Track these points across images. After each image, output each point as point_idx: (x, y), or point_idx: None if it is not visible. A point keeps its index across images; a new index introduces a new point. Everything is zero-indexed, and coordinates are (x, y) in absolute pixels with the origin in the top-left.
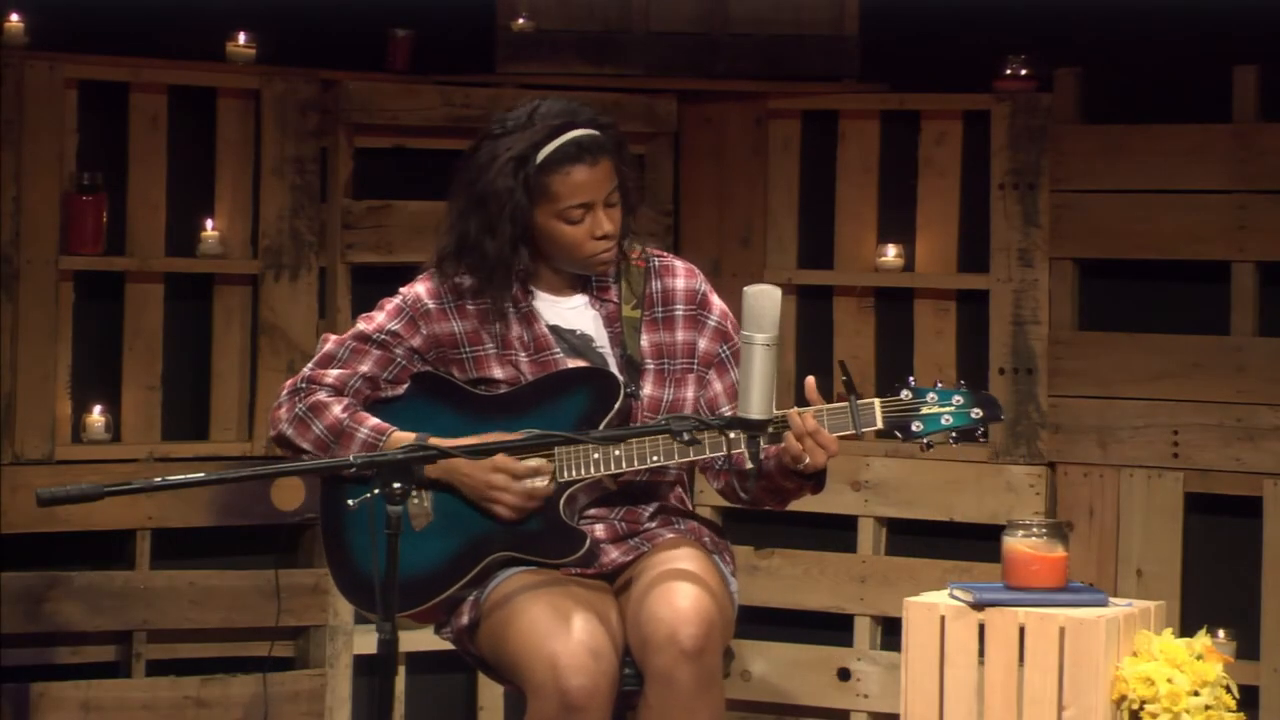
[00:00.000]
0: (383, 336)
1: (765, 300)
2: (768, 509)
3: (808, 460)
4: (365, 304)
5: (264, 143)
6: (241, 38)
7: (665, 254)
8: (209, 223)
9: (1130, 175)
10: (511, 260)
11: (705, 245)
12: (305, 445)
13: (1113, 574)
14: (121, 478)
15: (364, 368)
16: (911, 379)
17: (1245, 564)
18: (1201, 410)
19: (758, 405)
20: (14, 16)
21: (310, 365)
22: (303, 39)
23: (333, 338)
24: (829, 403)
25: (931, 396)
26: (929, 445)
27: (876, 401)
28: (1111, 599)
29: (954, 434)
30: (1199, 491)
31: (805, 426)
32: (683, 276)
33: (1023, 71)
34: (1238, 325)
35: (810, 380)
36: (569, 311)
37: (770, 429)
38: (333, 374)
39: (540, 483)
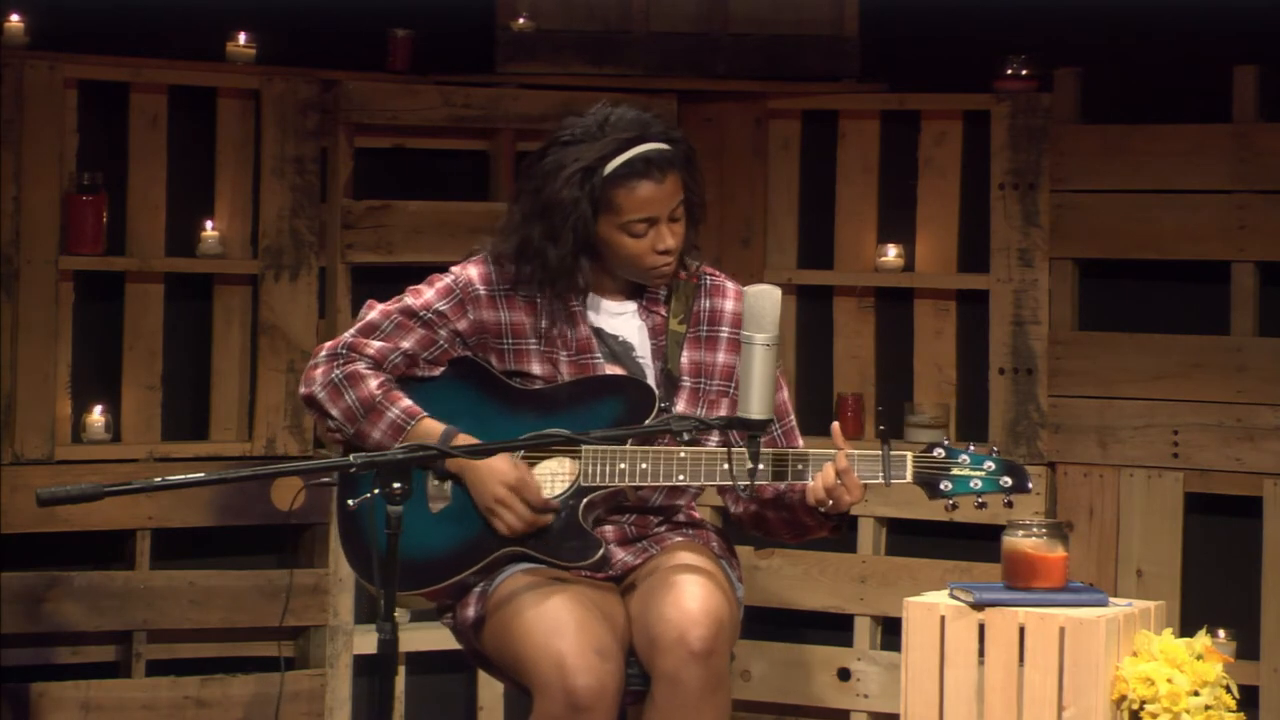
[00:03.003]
0: (429, 315)
1: (765, 300)
2: (784, 541)
3: (831, 503)
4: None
5: (264, 143)
6: (241, 38)
7: (718, 273)
8: (209, 223)
9: (1130, 175)
10: (573, 268)
11: (705, 245)
12: (334, 413)
13: (1113, 574)
14: (121, 478)
15: (406, 344)
16: (945, 439)
17: (1245, 564)
18: (1201, 410)
19: (758, 405)
20: (14, 16)
21: (351, 332)
22: (303, 39)
23: (378, 306)
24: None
25: (964, 458)
26: (954, 506)
27: (909, 455)
28: (1111, 599)
29: (980, 499)
30: (1199, 491)
31: (838, 464)
32: (732, 299)
33: (1023, 71)
34: (1238, 325)
35: (836, 425)
36: (616, 318)
37: (793, 460)
38: (375, 345)
39: (545, 518)
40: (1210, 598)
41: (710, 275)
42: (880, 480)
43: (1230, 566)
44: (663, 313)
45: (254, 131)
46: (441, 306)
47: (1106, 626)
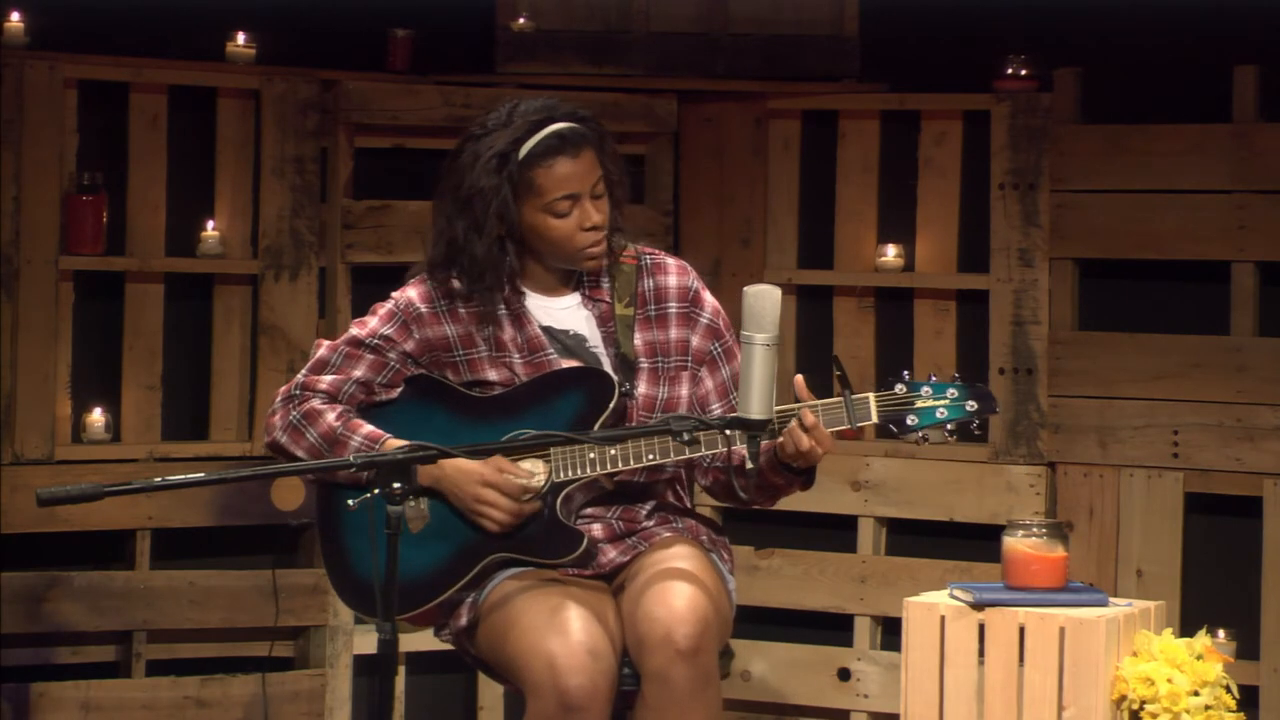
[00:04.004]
0: (376, 341)
1: (765, 300)
2: (757, 507)
3: (802, 460)
4: (365, 304)
5: (264, 143)
6: (241, 38)
7: (656, 251)
8: (209, 223)
9: (1130, 175)
10: (500, 259)
11: (705, 245)
12: (299, 453)
13: (1113, 574)
14: (121, 478)
15: (358, 373)
16: (906, 373)
17: (1245, 564)
18: (1201, 410)
19: (758, 405)
20: (14, 16)
21: (304, 372)
22: (303, 39)
23: (325, 344)
24: (821, 399)
25: (926, 390)
26: (924, 439)
27: (871, 396)
28: (1111, 599)
29: (950, 427)
30: (1199, 491)
31: (806, 423)
32: (675, 274)
33: (1023, 71)
34: (1238, 325)
35: (799, 378)
36: (561, 312)
37: (771, 427)
38: (326, 380)
39: (530, 505)
40: (1210, 598)
41: (649, 255)
42: (846, 425)
43: (1230, 566)
44: (607, 299)
45: (254, 131)
46: (386, 331)
47: (1106, 626)
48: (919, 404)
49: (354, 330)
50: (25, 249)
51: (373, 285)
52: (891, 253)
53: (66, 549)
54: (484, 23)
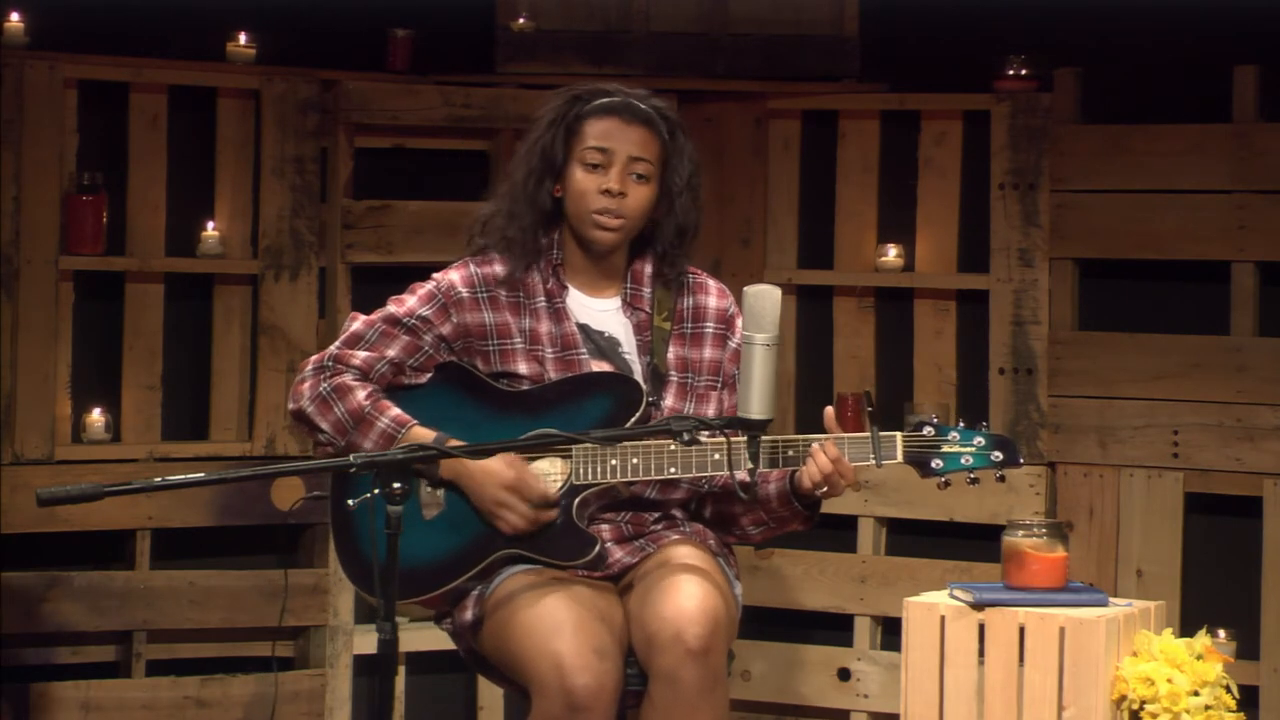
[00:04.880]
0: (413, 321)
1: (765, 300)
2: (748, 536)
3: (826, 489)
4: (365, 304)
5: (264, 143)
6: (241, 38)
7: (699, 272)
8: (209, 223)
9: (1130, 175)
10: (536, 195)
11: (705, 245)
12: (324, 425)
13: (1113, 574)
14: (121, 478)
15: (391, 352)
16: (935, 416)
17: (1245, 564)
18: (1201, 410)
19: (758, 405)
20: (14, 16)
21: (337, 344)
22: (303, 39)
23: (361, 317)
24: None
25: (953, 435)
26: (947, 484)
27: (899, 435)
28: (1111, 599)
29: (972, 475)
30: (1199, 491)
31: (828, 454)
32: (715, 296)
33: (1023, 71)
34: (1238, 325)
35: (829, 410)
36: (601, 313)
37: (788, 454)
38: (360, 355)
39: (547, 514)
40: (1210, 598)
41: (692, 274)
42: (871, 462)
43: (1230, 566)
44: (647, 309)
45: (254, 131)
46: (425, 312)
47: (1106, 626)
48: (945, 448)
49: (391, 307)
50: (25, 249)
51: (373, 285)
52: (891, 253)
53: (66, 549)
54: (484, 23)
